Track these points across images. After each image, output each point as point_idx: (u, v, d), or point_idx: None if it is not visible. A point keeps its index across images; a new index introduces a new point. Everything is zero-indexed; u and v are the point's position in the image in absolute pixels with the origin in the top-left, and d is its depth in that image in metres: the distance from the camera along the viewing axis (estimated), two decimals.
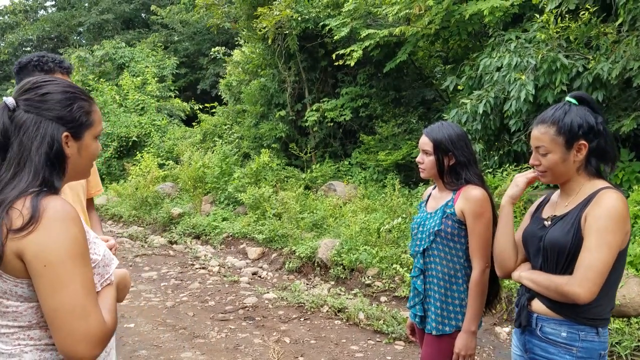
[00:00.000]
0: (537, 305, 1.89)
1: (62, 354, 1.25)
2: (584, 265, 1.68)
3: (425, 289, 2.29)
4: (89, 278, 1.26)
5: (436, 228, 2.22)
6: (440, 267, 2.23)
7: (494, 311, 2.40)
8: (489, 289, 2.23)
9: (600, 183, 1.82)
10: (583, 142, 1.80)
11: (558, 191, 1.98)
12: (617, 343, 3.80)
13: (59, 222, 1.23)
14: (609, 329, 3.93)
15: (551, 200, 2.00)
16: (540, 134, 1.85)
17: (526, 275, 1.90)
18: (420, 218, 2.37)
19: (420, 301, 2.31)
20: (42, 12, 24.37)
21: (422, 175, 2.34)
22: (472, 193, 2.16)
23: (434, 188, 2.44)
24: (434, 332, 2.23)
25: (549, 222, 1.89)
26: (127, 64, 16.31)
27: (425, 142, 2.28)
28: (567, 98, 1.87)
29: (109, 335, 1.29)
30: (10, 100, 1.30)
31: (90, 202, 2.46)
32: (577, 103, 1.85)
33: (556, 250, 1.81)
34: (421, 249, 2.29)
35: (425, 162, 2.28)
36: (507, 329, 4.48)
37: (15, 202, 1.23)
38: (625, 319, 4.01)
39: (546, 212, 1.96)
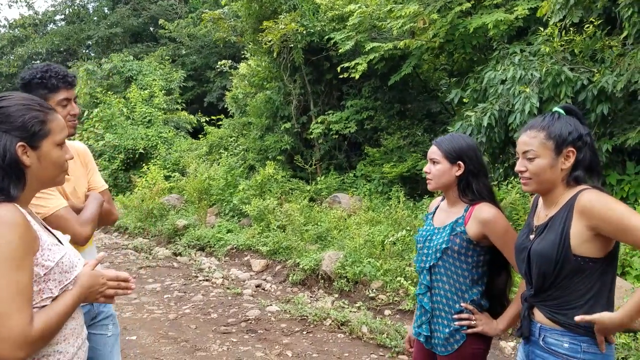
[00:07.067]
0: (538, 314, 1.87)
1: None
2: None
3: (432, 308, 2.21)
4: (19, 281, 1.32)
5: (444, 245, 2.15)
6: (449, 286, 2.16)
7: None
8: (499, 307, 2.21)
9: (577, 188, 1.81)
10: (572, 149, 1.80)
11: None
12: (623, 358, 3.75)
13: None
14: (615, 344, 3.87)
15: (539, 204, 1.98)
16: (529, 138, 1.83)
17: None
18: (426, 231, 2.30)
19: (427, 320, 2.23)
20: (51, 25, 24.68)
21: (429, 187, 2.26)
22: (488, 213, 2.09)
23: (442, 200, 2.37)
24: (444, 353, 2.17)
25: (533, 235, 1.88)
26: (134, 77, 16.44)
27: (433, 151, 2.22)
28: (555, 109, 1.87)
29: (33, 341, 1.33)
30: None
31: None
32: (564, 113, 1.85)
33: (541, 262, 1.79)
34: (427, 265, 2.21)
35: (433, 171, 2.21)
36: (512, 344, 4.42)
37: None
38: (631, 334, 3.95)
39: (535, 218, 1.95)
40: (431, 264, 2.20)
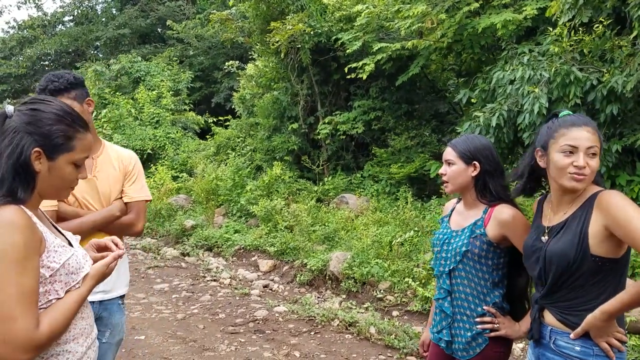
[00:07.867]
0: (549, 317, 1.86)
1: None
2: None
3: (453, 312, 2.18)
4: (23, 284, 1.31)
5: (464, 248, 2.12)
6: (470, 289, 2.13)
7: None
8: (520, 309, 2.20)
9: (594, 188, 1.81)
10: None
11: (548, 196, 1.96)
12: None
13: (1, 229, 1.31)
14: (626, 346, 3.85)
15: (544, 207, 1.97)
16: (592, 134, 1.77)
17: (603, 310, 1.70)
18: (443, 235, 2.26)
19: (448, 325, 2.20)
20: (60, 26, 24.81)
21: (446, 190, 2.23)
22: (508, 215, 2.07)
23: (457, 202, 2.34)
24: (465, 358, 2.16)
25: (546, 236, 1.86)
26: (143, 78, 16.50)
27: (448, 152, 2.20)
28: (566, 113, 1.87)
29: (40, 344, 1.33)
30: (9, 109, 1.43)
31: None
32: None
33: (559, 262, 1.78)
34: (447, 269, 2.18)
35: (448, 172, 2.19)
36: (520, 345, 4.40)
37: None
38: None
39: (544, 219, 1.94)
40: (451, 267, 2.17)
